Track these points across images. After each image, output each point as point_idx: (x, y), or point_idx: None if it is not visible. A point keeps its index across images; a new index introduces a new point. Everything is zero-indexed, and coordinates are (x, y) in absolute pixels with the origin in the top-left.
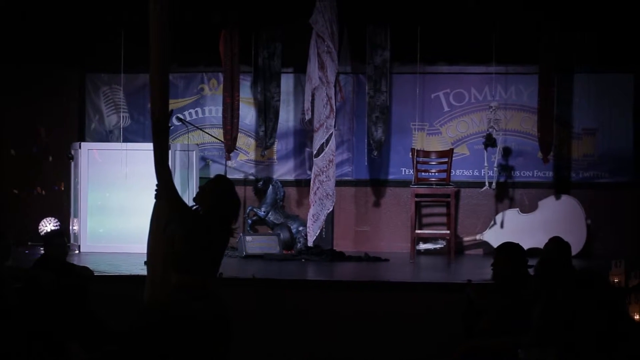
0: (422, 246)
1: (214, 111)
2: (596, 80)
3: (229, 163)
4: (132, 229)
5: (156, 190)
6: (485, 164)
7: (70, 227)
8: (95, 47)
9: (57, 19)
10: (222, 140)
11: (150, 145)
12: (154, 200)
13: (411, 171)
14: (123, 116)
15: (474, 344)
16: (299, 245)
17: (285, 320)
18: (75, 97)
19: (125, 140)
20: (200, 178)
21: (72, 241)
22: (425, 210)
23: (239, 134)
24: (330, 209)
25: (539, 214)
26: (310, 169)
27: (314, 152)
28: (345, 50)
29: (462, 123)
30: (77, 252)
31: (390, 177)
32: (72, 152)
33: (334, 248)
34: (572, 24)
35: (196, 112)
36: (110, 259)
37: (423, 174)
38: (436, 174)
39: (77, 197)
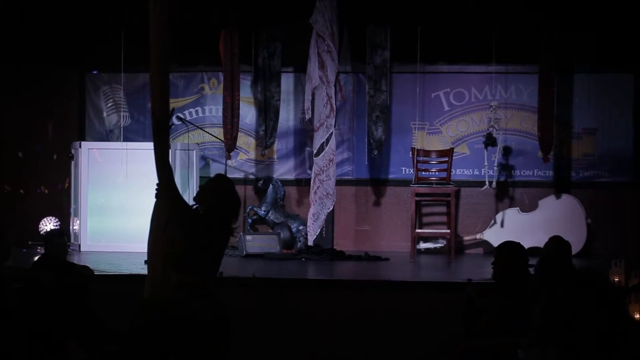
0: (423, 245)
1: (214, 110)
2: (596, 80)
3: (229, 162)
4: (133, 228)
5: (157, 189)
6: (486, 163)
7: (71, 227)
8: (95, 47)
9: (57, 19)
10: (223, 139)
11: (150, 145)
12: (155, 200)
13: (411, 170)
14: (123, 115)
15: (473, 344)
16: (299, 244)
17: (285, 320)
18: (75, 97)
19: (126, 139)
20: (201, 177)
21: (72, 240)
22: (425, 210)
23: (239, 134)
24: (331, 208)
25: (539, 213)
26: (311, 168)
27: (314, 152)
28: (345, 50)
29: (462, 122)
30: (77, 251)
31: (391, 176)
32: (73, 151)
33: (334, 247)
34: (572, 24)
35: (196, 111)
36: (111, 258)
37: (423, 173)
38: (436, 173)
39: (77, 197)
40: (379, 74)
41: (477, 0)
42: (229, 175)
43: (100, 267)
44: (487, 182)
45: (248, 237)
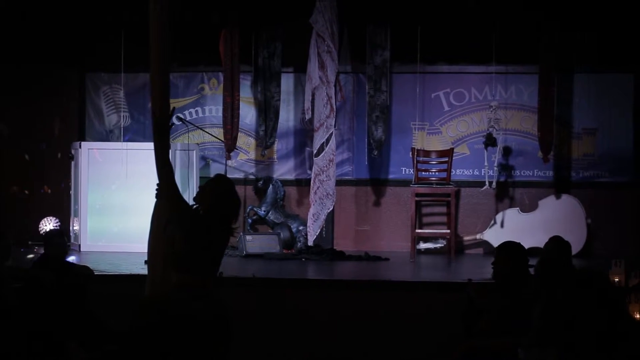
0: (423, 245)
1: (214, 111)
2: (596, 80)
3: (229, 162)
4: (133, 228)
5: (157, 189)
6: (486, 164)
7: (71, 227)
8: (95, 47)
9: (57, 19)
10: (223, 139)
11: (150, 145)
12: (155, 200)
13: (411, 170)
14: (123, 115)
15: (473, 344)
16: (299, 244)
17: (285, 320)
18: (75, 97)
19: (126, 139)
20: (201, 177)
21: (72, 240)
22: (425, 210)
23: (239, 134)
24: (331, 209)
25: (539, 213)
26: (311, 169)
27: (314, 152)
28: (345, 50)
29: (462, 122)
30: (77, 251)
31: (391, 176)
32: (73, 151)
33: (334, 247)
34: (572, 24)
35: (196, 111)
36: (111, 258)
37: (423, 173)
38: (436, 173)
39: (77, 197)
40: (379, 74)
41: (477, 0)
42: (229, 176)
43: (101, 267)
44: (487, 182)
45: (248, 237)
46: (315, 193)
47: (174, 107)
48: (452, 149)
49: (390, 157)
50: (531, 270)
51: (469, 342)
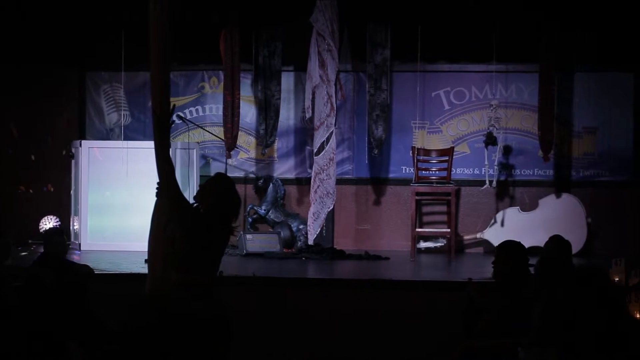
0: (423, 244)
1: (214, 109)
2: (596, 80)
3: (230, 161)
4: (133, 227)
5: (157, 188)
6: (486, 163)
7: (71, 226)
8: (95, 47)
9: (57, 19)
10: (223, 138)
11: (151, 144)
12: (155, 198)
13: (412, 169)
14: (124, 114)
15: (473, 344)
16: (299, 243)
17: (285, 319)
18: (75, 97)
19: (126, 138)
20: (201, 176)
21: (72, 239)
22: (425, 209)
23: (240, 132)
24: (331, 207)
25: (539, 212)
26: (311, 167)
27: (315, 151)
28: (345, 49)
29: (462, 121)
30: (77, 249)
31: (391, 175)
32: (73, 150)
33: (335, 246)
34: (572, 23)
35: (197, 110)
36: (111, 257)
37: (423, 172)
38: (437, 172)
39: (77, 196)
40: (380, 72)
41: None
42: (229, 174)
43: (101, 266)
44: (487, 181)
45: (248, 236)
46: (316, 192)
47: (174, 105)
48: (452, 148)
49: (391, 156)
50: (531, 269)
51: (469, 342)
